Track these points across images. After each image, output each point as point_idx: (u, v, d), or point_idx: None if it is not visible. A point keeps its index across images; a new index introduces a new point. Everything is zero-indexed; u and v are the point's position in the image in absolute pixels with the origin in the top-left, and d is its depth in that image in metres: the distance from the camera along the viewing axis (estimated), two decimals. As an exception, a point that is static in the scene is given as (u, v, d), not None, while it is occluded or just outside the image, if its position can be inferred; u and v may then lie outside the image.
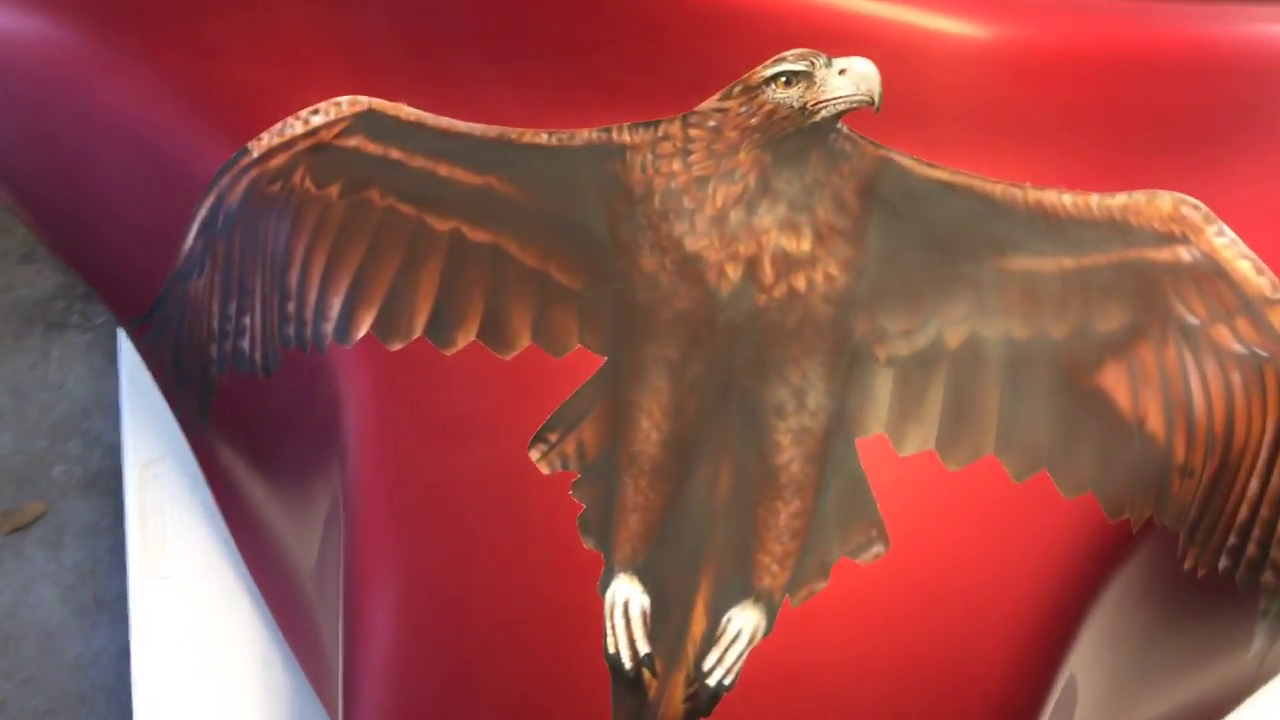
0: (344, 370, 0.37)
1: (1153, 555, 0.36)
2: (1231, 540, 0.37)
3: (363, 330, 0.36)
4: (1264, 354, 0.34)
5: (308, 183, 0.37)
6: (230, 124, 0.38)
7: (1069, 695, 0.36)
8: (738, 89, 0.35)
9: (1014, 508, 0.34)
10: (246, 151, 0.38)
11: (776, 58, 0.35)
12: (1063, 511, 0.34)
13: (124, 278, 0.45)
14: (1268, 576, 0.40)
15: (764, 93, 0.35)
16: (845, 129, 0.35)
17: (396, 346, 0.36)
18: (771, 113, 0.35)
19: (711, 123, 0.35)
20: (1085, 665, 0.37)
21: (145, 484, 0.61)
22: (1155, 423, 0.34)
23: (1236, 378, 0.35)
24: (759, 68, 0.35)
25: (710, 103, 0.36)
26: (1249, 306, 0.35)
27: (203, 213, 0.40)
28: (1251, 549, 0.38)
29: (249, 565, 0.47)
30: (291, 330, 0.38)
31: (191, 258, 0.41)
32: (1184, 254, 0.35)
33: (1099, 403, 0.34)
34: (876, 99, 0.35)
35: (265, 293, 0.39)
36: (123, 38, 0.40)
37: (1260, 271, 0.35)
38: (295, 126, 0.38)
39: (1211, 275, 0.35)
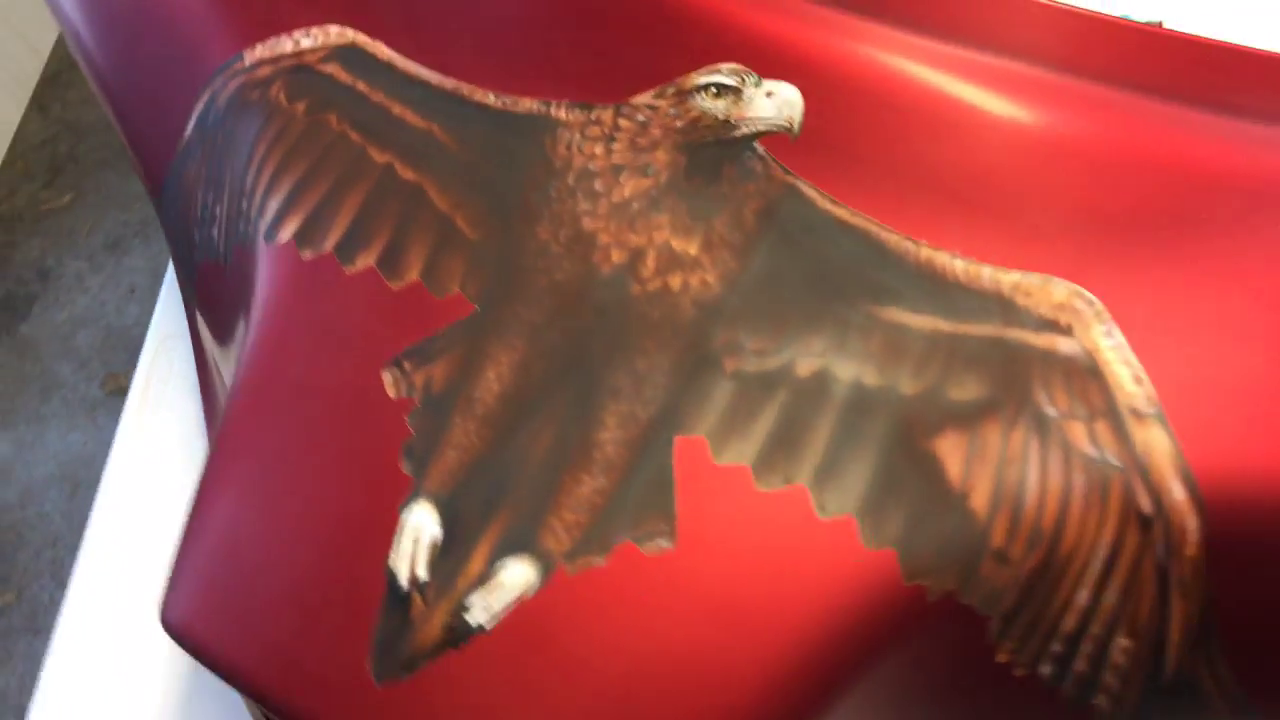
0: (264, 268, 0.40)
1: (957, 639, 0.35)
2: (1055, 647, 0.36)
3: (288, 234, 0.40)
4: (1116, 464, 0.33)
5: (281, 96, 0.41)
6: (238, 31, 0.42)
7: None
8: (671, 90, 0.37)
9: (810, 542, 0.34)
10: (240, 58, 0.42)
11: (711, 68, 0.37)
12: (857, 559, 0.34)
13: (149, 158, 0.50)
14: (1100, 701, 0.38)
15: (693, 99, 0.37)
16: (761, 149, 0.36)
17: (308, 255, 0.39)
18: (696, 119, 0.37)
19: (640, 117, 0.37)
20: None
21: (160, 352, 0.67)
22: (979, 501, 0.34)
23: (1079, 480, 0.34)
24: (693, 74, 0.37)
25: (644, 98, 0.37)
26: (1114, 413, 0.34)
27: (199, 106, 0.44)
28: (1080, 664, 0.37)
29: (208, 434, 0.51)
30: (240, 225, 0.42)
31: (190, 146, 0.46)
32: (1063, 345, 0.34)
33: (927, 466, 0.34)
34: (795, 127, 0.36)
35: (231, 187, 0.43)
36: None
37: (1139, 382, 0.34)
38: (286, 45, 0.41)
39: (1085, 373, 0.34)
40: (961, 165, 0.35)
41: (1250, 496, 0.33)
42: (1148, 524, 0.33)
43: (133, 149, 0.52)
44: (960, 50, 0.35)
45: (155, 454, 0.65)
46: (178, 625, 0.37)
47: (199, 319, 0.53)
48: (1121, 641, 0.36)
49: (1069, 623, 0.35)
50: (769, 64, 0.36)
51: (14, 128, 1.85)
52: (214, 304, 0.48)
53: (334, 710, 0.34)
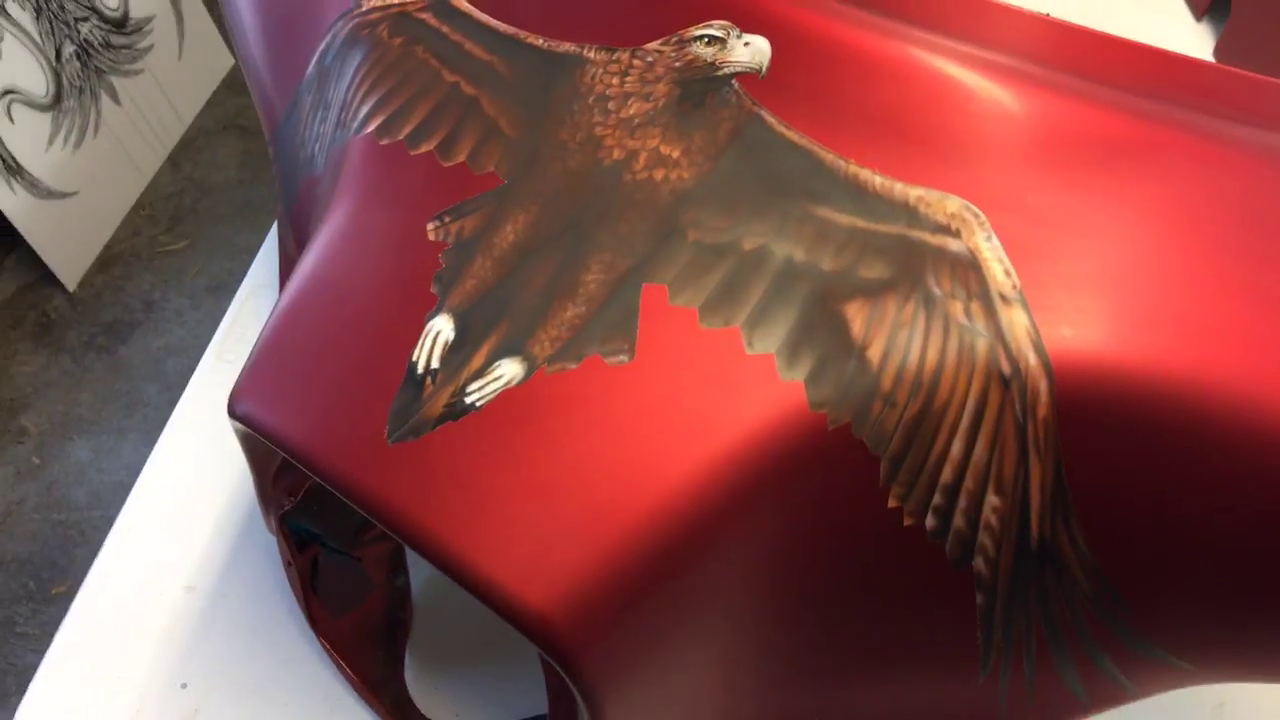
0: (350, 154, 0.52)
1: (854, 469, 0.43)
2: (937, 499, 0.44)
3: (372, 127, 0.52)
4: (983, 333, 0.42)
5: (384, 32, 0.54)
6: None
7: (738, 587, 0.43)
8: (674, 39, 0.48)
9: (738, 370, 0.43)
10: (358, 4, 0.55)
11: (705, 23, 0.48)
12: (774, 386, 0.42)
13: (276, 97, 0.63)
14: (979, 565, 0.45)
15: (690, 46, 0.48)
16: (737, 85, 0.47)
17: (385, 142, 0.51)
18: (691, 61, 0.48)
19: (649, 58, 0.49)
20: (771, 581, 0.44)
21: (249, 298, 0.79)
22: (874, 352, 0.43)
23: (954, 343, 0.42)
24: (692, 28, 0.48)
25: (654, 44, 0.49)
26: (987, 296, 0.43)
27: (321, 45, 0.57)
28: (959, 519, 0.44)
29: None
30: (338, 133, 0.54)
31: (310, 79, 0.59)
32: (952, 244, 0.43)
33: (836, 322, 0.43)
34: (763, 70, 0.47)
35: (336, 104, 0.55)
36: None
37: (1008, 274, 0.43)
38: (395, -3, 0.55)
39: (967, 266, 0.43)
40: (887, 105, 0.46)
41: (1091, 372, 0.42)
42: (1007, 383, 0.42)
43: (261, 96, 0.65)
44: (890, 21, 0.46)
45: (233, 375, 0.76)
46: (242, 413, 0.47)
47: (289, 245, 0.65)
48: (992, 499, 0.43)
49: (947, 473, 0.43)
50: (748, 22, 0.47)
51: (149, 179, 2.07)
52: (307, 218, 0.60)
53: (354, 462, 0.44)
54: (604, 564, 0.41)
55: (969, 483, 0.43)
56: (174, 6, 2.06)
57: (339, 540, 0.61)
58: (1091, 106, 0.45)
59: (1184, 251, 0.43)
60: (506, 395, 0.43)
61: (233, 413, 0.47)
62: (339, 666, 0.60)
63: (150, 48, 2.02)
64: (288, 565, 0.59)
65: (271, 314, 0.50)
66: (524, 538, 0.41)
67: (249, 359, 0.49)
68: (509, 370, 0.44)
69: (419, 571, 0.65)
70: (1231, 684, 0.57)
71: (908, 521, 0.44)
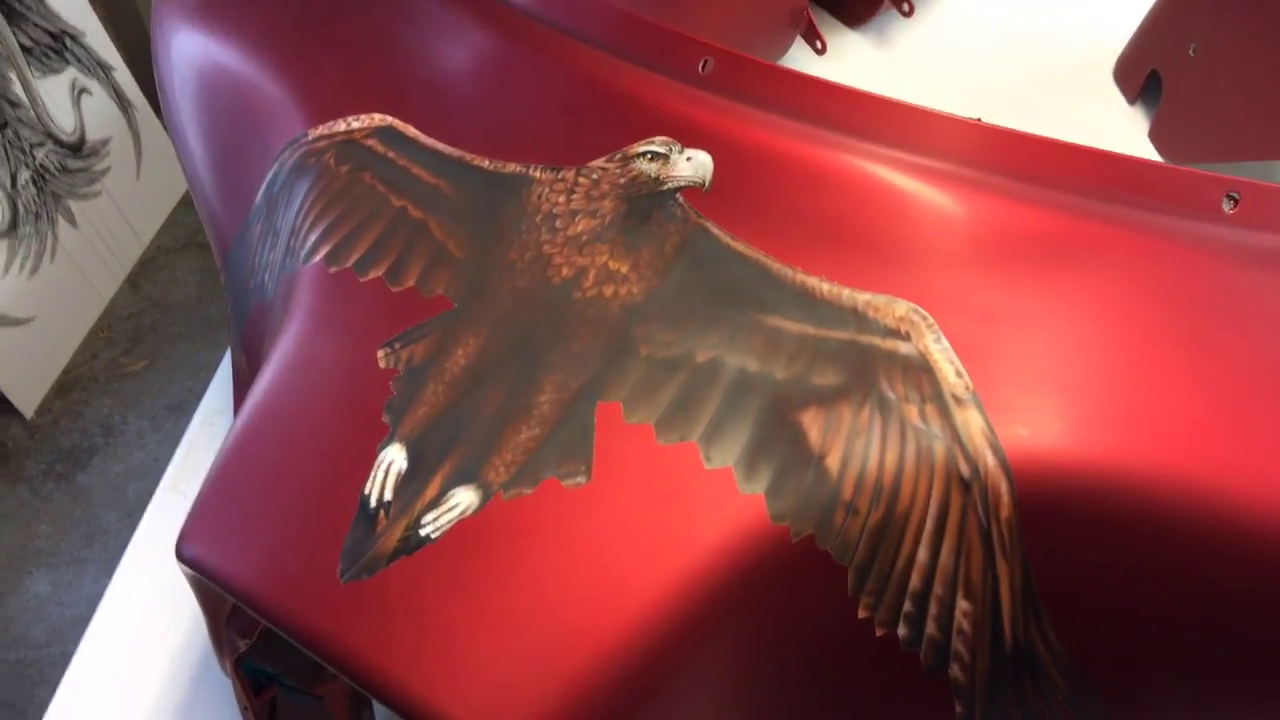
0: (299, 282, 0.52)
1: (821, 585, 0.43)
2: (907, 606, 0.43)
3: (320, 255, 0.51)
4: (940, 436, 0.42)
5: (331, 160, 0.54)
6: (305, 117, 0.56)
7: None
8: (618, 156, 0.49)
9: (697, 485, 0.42)
10: (305, 134, 0.56)
11: (648, 140, 0.49)
12: (734, 500, 0.42)
13: (225, 227, 0.63)
14: (955, 672, 0.44)
15: (634, 163, 0.49)
16: (681, 200, 0.48)
17: (333, 270, 0.51)
18: (635, 178, 0.48)
19: (595, 175, 0.49)
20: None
21: (203, 427, 0.78)
22: (833, 460, 0.42)
23: (912, 447, 0.42)
24: (635, 144, 0.49)
25: (599, 162, 0.49)
26: (940, 398, 0.43)
27: (269, 174, 0.57)
28: (931, 627, 0.43)
29: None
30: (286, 261, 0.54)
31: (258, 207, 0.59)
32: (902, 348, 0.44)
33: (793, 432, 0.43)
34: (707, 183, 0.48)
35: (283, 233, 0.55)
36: (274, 55, 0.60)
37: (960, 375, 0.43)
38: (340, 125, 0.55)
39: (918, 369, 0.43)
40: (829, 213, 0.46)
41: (1049, 470, 0.41)
42: (968, 486, 0.42)
43: (211, 223, 0.65)
44: (829, 132, 0.47)
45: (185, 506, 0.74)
46: (190, 557, 0.46)
47: (242, 369, 0.64)
48: (963, 604, 0.43)
49: (915, 580, 0.43)
50: (690, 137, 0.48)
51: (107, 300, 2.06)
52: (258, 343, 0.59)
53: (305, 605, 0.42)
54: (572, 692, 0.39)
55: (938, 589, 0.43)
56: (130, 126, 2.08)
57: (297, 679, 0.59)
58: (1027, 207, 0.46)
59: (1129, 344, 0.43)
60: (462, 525, 0.42)
61: (180, 557, 0.46)
62: (302, 813, 0.58)
63: (107, 169, 2.03)
64: (244, 710, 0.57)
65: (220, 450, 0.49)
66: (487, 672, 0.39)
67: (196, 500, 0.48)
68: (464, 499, 0.43)
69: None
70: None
71: (879, 632, 0.44)
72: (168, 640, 0.67)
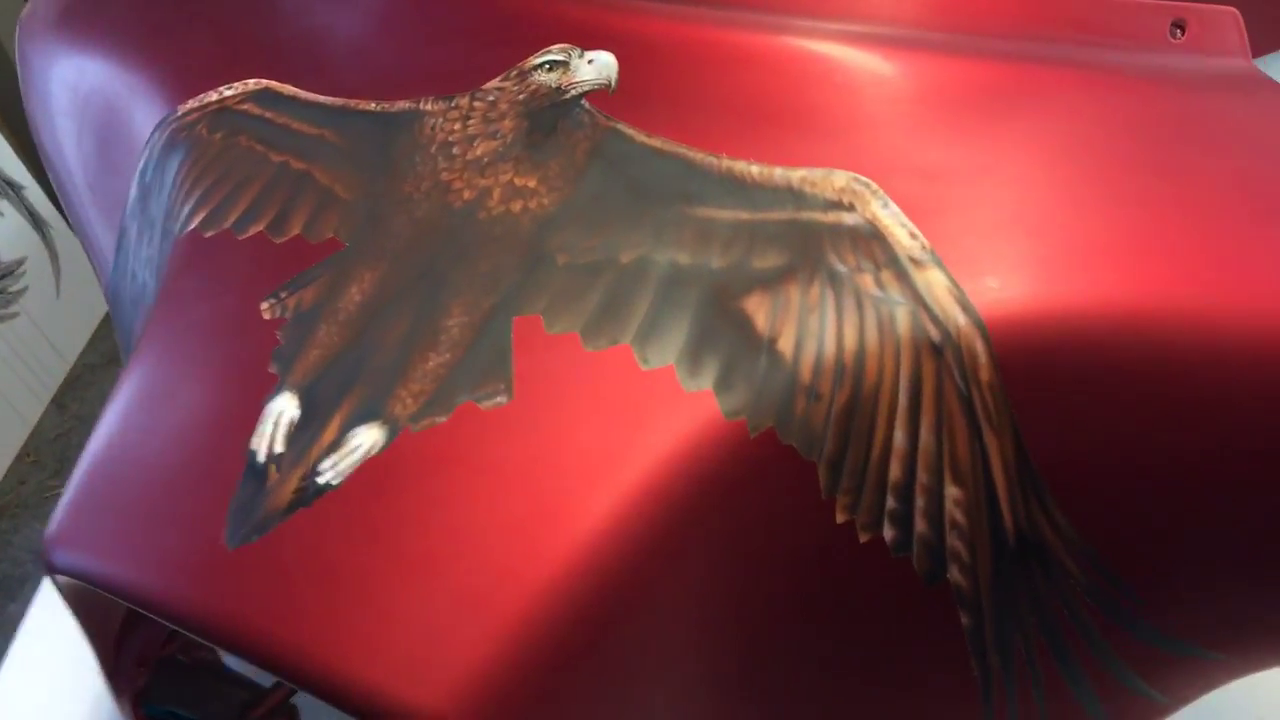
0: (173, 254, 0.46)
1: (789, 486, 0.37)
2: (890, 502, 0.38)
3: (194, 223, 0.46)
4: (901, 301, 0.37)
5: (203, 130, 0.49)
6: (172, 94, 0.51)
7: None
8: (514, 73, 0.45)
9: (635, 389, 0.37)
10: (174, 111, 0.51)
11: (544, 50, 0.44)
12: (679, 400, 0.36)
13: (103, 247, 0.57)
14: (955, 575, 0.39)
15: (532, 75, 0.44)
16: (587, 105, 0.43)
17: (210, 234, 0.45)
18: (535, 91, 0.44)
19: (491, 97, 0.45)
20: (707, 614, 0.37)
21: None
22: (785, 343, 0.37)
23: (871, 317, 0.37)
24: (531, 57, 0.45)
25: (493, 83, 0.45)
26: (897, 262, 0.38)
27: (139, 164, 0.52)
28: (920, 524, 0.38)
29: None
30: (165, 247, 0.48)
31: (132, 204, 0.53)
32: (847, 218, 0.39)
33: (738, 320, 0.38)
34: (612, 83, 0.43)
35: (159, 219, 0.50)
36: (138, 45, 0.55)
37: (914, 236, 0.38)
38: (212, 96, 0.50)
39: (868, 237, 0.38)
40: (750, 93, 0.42)
41: (1028, 320, 0.37)
42: (939, 351, 0.37)
43: (94, 249, 0.59)
44: (736, 12, 0.43)
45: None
46: (60, 564, 0.39)
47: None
48: (952, 491, 0.37)
49: (895, 470, 0.37)
50: (588, 39, 0.44)
51: (33, 424, 1.96)
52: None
53: (189, 582, 0.36)
54: (507, 643, 0.33)
55: (922, 476, 0.37)
56: (46, 244, 2.02)
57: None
58: (964, 59, 0.42)
59: (1095, 179, 0.39)
60: (368, 466, 0.36)
61: (51, 567, 0.39)
62: None
63: (24, 289, 1.96)
64: (154, 759, 0.49)
65: (93, 432, 0.42)
66: (406, 626, 0.33)
67: (63, 499, 0.41)
68: (368, 437, 0.37)
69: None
70: (1271, 699, 0.51)
71: (863, 537, 0.38)
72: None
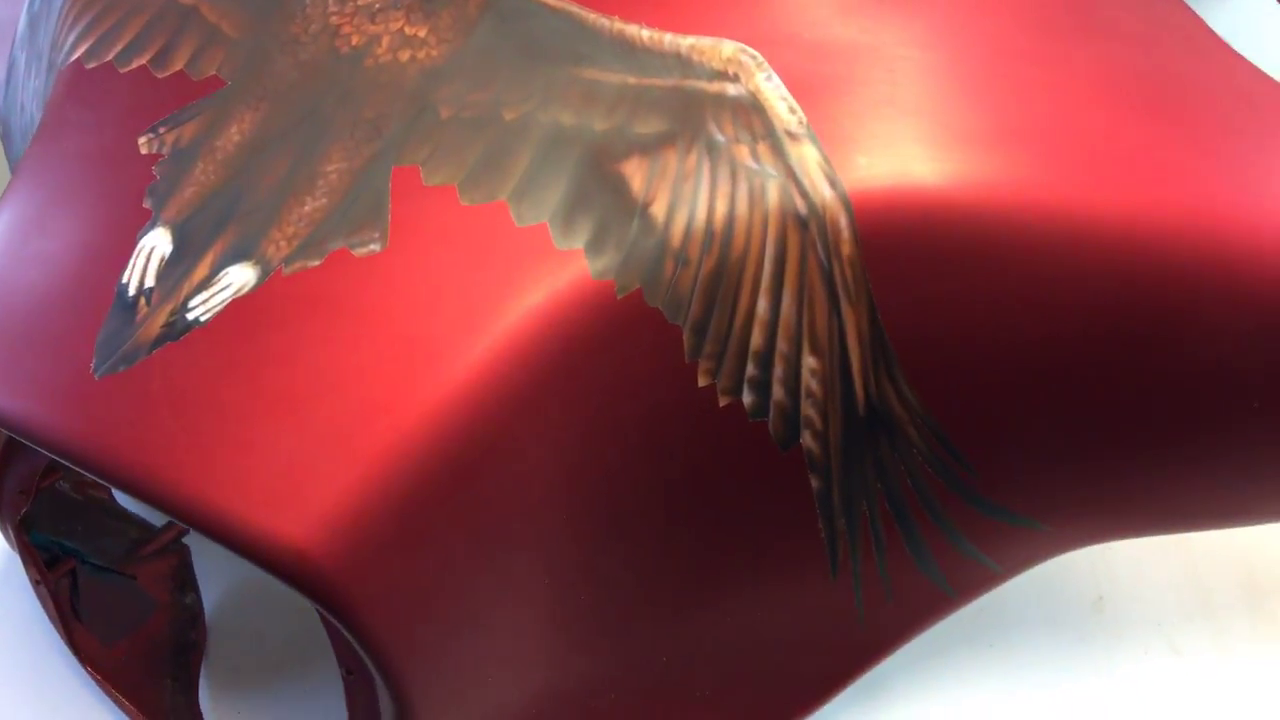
0: (54, 86, 0.45)
1: (654, 347, 0.38)
2: (750, 369, 0.39)
3: (77, 55, 0.45)
4: (774, 173, 0.38)
5: None
6: None
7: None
8: None
9: (507, 245, 0.37)
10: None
11: None
12: (550, 258, 0.37)
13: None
14: (808, 441, 0.40)
15: None
16: (484, -42, 0.43)
17: (91, 65, 0.44)
18: None
19: None
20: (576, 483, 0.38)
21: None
22: (658, 208, 0.38)
23: (743, 188, 0.38)
24: (427, -99, 0.43)
25: (388, -77, 0.44)
26: (773, 135, 0.38)
27: None
28: (778, 391, 0.39)
29: None
30: (49, 76, 0.47)
31: (21, 34, 0.51)
32: (730, 89, 0.39)
33: (614, 182, 0.38)
34: (510, -65, 0.42)
35: (46, 49, 0.48)
36: None
37: (793, 111, 0.39)
38: (100, -81, 0.48)
39: (749, 108, 0.39)
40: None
41: (892, 199, 0.38)
42: (804, 223, 0.38)
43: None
44: None
45: None
46: None
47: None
48: (809, 360, 0.39)
49: (757, 337, 0.39)
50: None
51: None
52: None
53: (50, 406, 0.36)
54: (371, 480, 0.34)
55: (782, 345, 0.39)
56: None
57: (106, 558, 0.52)
58: None
59: (972, 65, 0.40)
60: (237, 304, 0.37)
61: None
62: (115, 700, 0.51)
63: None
64: (36, 584, 0.50)
65: None
66: (269, 461, 0.34)
67: None
68: (239, 276, 0.37)
69: (214, 584, 0.57)
70: (1110, 575, 0.54)
71: (723, 401, 0.39)
72: None
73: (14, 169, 0.54)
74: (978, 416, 0.40)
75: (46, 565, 0.49)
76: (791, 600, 0.44)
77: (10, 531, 0.48)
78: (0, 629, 0.55)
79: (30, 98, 0.51)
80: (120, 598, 0.52)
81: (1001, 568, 0.45)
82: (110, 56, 0.44)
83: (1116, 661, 0.52)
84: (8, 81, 0.55)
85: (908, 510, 0.42)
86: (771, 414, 0.40)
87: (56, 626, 0.51)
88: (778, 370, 0.39)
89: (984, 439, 0.41)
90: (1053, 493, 0.42)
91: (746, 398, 0.40)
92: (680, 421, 0.40)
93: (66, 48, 0.46)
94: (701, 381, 0.39)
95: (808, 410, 0.40)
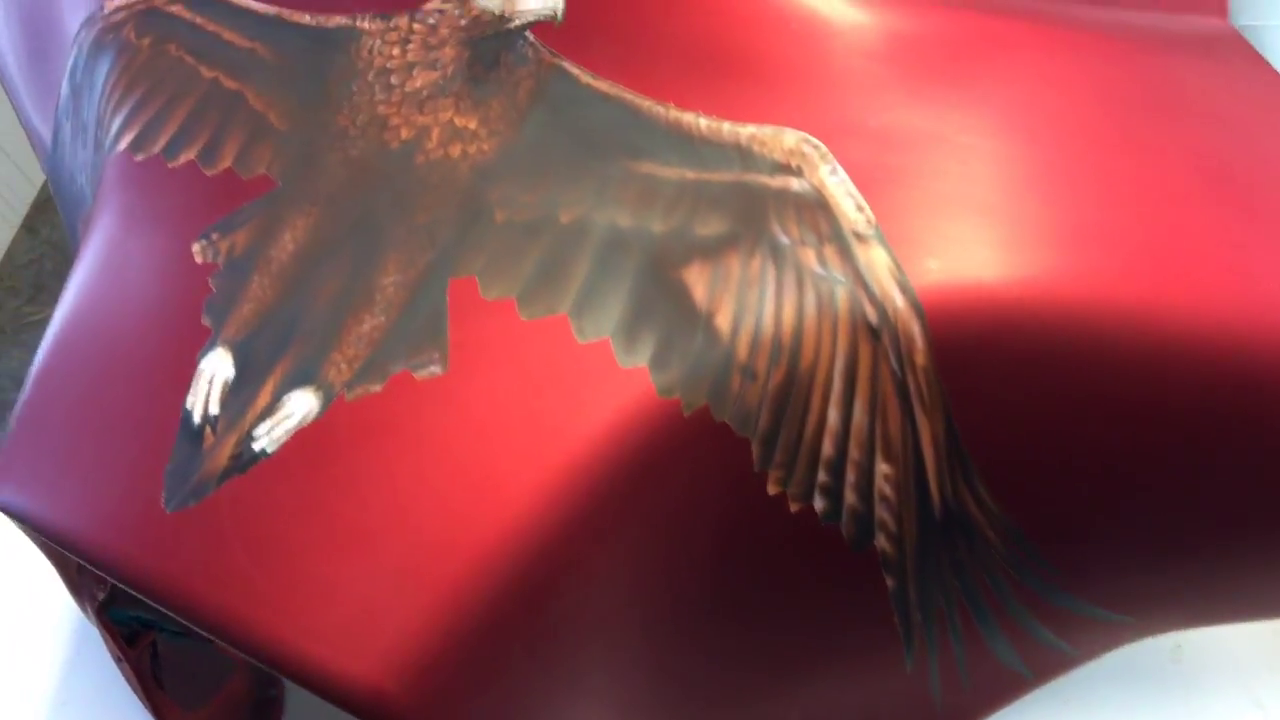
0: (104, 177, 0.44)
1: (723, 463, 0.37)
2: (822, 476, 0.38)
3: (124, 143, 0.44)
4: (842, 280, 0.36)
5: (131, 34, 0.46)
6: None
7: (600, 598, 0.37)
8: None
9: (570, 362, 0.36)
10: (101, 8, 0.47)
11: None
12: (614, 376, 0.36)
13: (41, 124, 0.55)
14: (882, 543, 0.40)
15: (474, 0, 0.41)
16: (531, 38, 0.41)
17: (140, 157, 0.43)
18: (477, 17, 0.41)
19: (431, 20, 0.42)
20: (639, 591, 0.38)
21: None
22: (723, 320, 0.37)
23: (811, 296, 0.37)
24: (474, -21, 0.42)
25: (434, 3, 0.42)
26: (840, 237, 0.37)
27: (70, 61, 0.49)
28: (850, 497, 0.39)
29: None
30: (96, 158, 0.47)
31: (64, 102, 0.51)
32: (794, 184, 0.38)
33: (676, 292, 0.37)
34: (559, 15, 0.41)
35: (91, 126, 0.48)
36: None
37: (860, 209, 0.37)
38: (139, -7, 0.47)
39: (813, 206, 0.37)
40: (700, 35, 0.40)
41: (966, 305, 0.36)
42: (876, 333, 0.36)
43: (29, 128, 0.57)
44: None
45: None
46: (3, 503, 0.39)
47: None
48: (883, 467, 0.38)
49: (828, 446, 0.38)
50: (536, -36, 0.41)
51: (4, 249, 1.94)
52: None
53: (127, 541, 0.36)
54: (444, 615, 0.34)
55: (854, 452, 0.38)
56: (3, 62, 1.93)
57: (180, 623, 0.53)
58: (926, 7, 0.39)
59: (1050, 154, 0.38)
60: (302, 434, 0.36)
61: None
62: (200, 764, 0.53)
63: (-17, 110, 1.89)
64: (119, 662, 0.51)
65: (29, 374, 0.42)
66: (342, 600, 0.34)
67: (10, 432, 0.41)
68: (302, 404, 0.37)
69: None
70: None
71: (794, 507, 0.39)
72: (49, 592, 0.61)
73: (73, 234, 0.54)
74: (1057, 518, 0.39)
75: (128, 642, 0.50)
76: (866, 689, 0.44)
77: (92, 614, 0.49)
78: (83, 701, 0.57)
79: (80, 169, 0.51)
80: (200, 662, 0.53)
81: (1081, 652, 0.44)
82: (158, 148, 0.43)
83: (1195, 714, 0.51)
84: (55, 142, 0.54)
85: (985, 606, 0.41)
86: (844, 518, 0.39)
87: (141, 699, 0.52)
88: (850, 477, 0.38)
89: (1064, 539, 0.40)
90: (1136, 589, 0.41)
91: (818, 503, 0.39)
92: (751, 528, 0.39)
93: (113, 133, 0.45)
94: (772, 490, 0.38)
95: (882, 514, 0.39)
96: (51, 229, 2.00)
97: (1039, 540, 0.39)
